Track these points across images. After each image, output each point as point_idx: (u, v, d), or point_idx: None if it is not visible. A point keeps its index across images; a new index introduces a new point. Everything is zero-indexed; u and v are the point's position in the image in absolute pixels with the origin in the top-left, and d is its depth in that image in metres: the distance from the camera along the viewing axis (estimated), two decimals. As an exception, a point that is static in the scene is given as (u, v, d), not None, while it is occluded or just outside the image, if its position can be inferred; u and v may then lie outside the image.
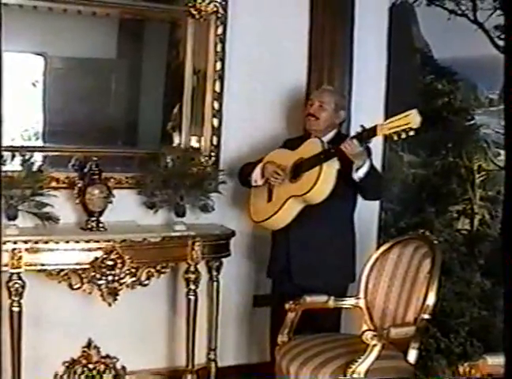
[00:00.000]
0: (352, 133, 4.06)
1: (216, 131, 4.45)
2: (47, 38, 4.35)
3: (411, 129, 3.43)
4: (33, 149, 4.18)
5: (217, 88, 4.41)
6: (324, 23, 4.60)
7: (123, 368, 4.39)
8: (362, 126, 3.70)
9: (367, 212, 4.39)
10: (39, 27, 4.30)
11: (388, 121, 3.57)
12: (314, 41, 4.62)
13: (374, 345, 3.36)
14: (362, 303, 3.92)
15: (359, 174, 3.74)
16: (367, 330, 3.52)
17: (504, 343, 2.32)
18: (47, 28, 4.32)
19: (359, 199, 4.08)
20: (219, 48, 4.38)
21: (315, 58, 4.62)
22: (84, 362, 4.34)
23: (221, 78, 4.41)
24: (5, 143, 4.11)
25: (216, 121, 4.44)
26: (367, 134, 3.65)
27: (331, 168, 3.78)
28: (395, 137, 3.54)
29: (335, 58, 4.63)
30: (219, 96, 4.42)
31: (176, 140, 4.47)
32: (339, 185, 3.79)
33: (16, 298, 3.85)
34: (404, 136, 3.49)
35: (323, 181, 3.78)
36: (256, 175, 4.14)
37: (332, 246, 4.01)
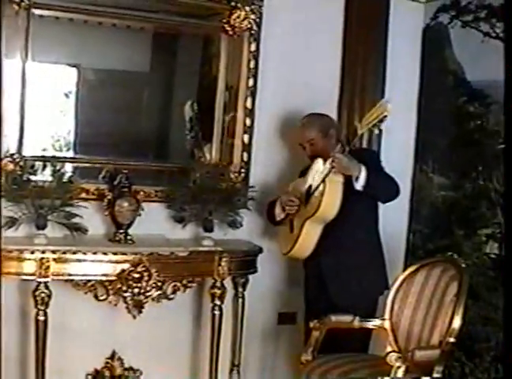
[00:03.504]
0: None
1: (247, 147, 4.48)
2: (82, 50, 4.40)
3: (385, 116, 3.57)
4: (64, 160, 4.22)
5: (249, 105, 4.44)
6: (357, 42, 4.62)
7: (146, 381, 4.43)
8: (341, 141, 4.04)
9: (394, 234, 4.37)
10: (74, 39, 4.35)
11: (364, 118, 3.71)
12: (347, 60, 4.64)
13: (399, 367, 3.34)
14: (387, 324, 3.89)
15: (360, 183, 3.79)
16: (391, 351, 3.50)
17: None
18: (81, 40, 4.37)
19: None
20: (252, 65, 4.42)
21: (348, 78, 4.64)
22: (107, 373, 4.38)
23: (253, 95, 4.44)
24: (37, 153, 4.17)
25: (246, 138, 4.47)
26: (351, 138, 3.84)
27: (334, 182, 3.85)
28: (375, 130, 3.76)
29: (368, 79, 4.64)
30: (250, 113, 4.45)
31: (206, 156, 4.49)
32: (352, 195, 3.83)
33: (42, 308, 3.87)
34: (381, 125, 3.65)
35: (329, 196, 3.85)
36: (277, 210, 4.22)
37: (361, 255, 4.02)
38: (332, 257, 4.01)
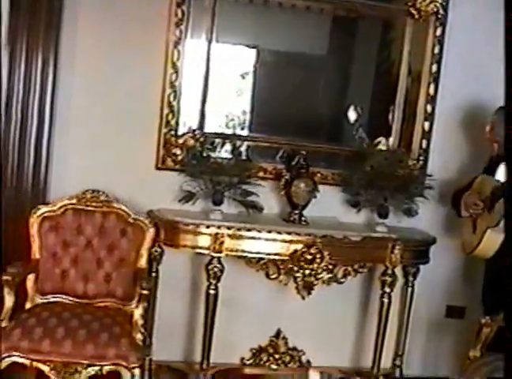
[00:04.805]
0: None
1: (427, 135, 4.39)
2: (261, 31, 4.43)
3: None
4: (243, 138, 4.28)
5: (431, 91, 4.35)
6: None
7: (308, 362, 4.46)
8: None
9: None
10: (254, 20, 4.39)
11: None
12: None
13: None
14: None
15: None
16: None
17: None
18: (261, 21, 4.40)
19: None
20: (436, 50, 4.32)
21: (537, 67, 4.41)
22: (270, 351, 4.44)
23: (436, 81, 4.34)
24: (215, 129, 4.26)
25: (427, 125, 4.38)
26: None
27: None
28: None
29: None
30: (432, 99, 4.36)
31: (384, 141, 4.43)
32: None
33: (213, 282, 3.95)
34: None
35: None
36: (462, 207, 4.13)
37: None
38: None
